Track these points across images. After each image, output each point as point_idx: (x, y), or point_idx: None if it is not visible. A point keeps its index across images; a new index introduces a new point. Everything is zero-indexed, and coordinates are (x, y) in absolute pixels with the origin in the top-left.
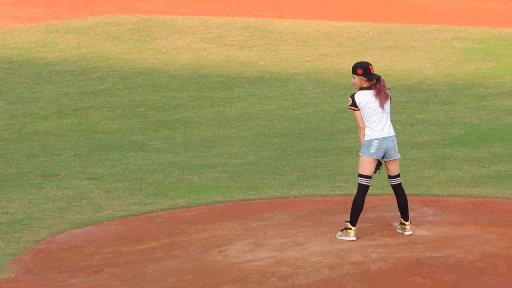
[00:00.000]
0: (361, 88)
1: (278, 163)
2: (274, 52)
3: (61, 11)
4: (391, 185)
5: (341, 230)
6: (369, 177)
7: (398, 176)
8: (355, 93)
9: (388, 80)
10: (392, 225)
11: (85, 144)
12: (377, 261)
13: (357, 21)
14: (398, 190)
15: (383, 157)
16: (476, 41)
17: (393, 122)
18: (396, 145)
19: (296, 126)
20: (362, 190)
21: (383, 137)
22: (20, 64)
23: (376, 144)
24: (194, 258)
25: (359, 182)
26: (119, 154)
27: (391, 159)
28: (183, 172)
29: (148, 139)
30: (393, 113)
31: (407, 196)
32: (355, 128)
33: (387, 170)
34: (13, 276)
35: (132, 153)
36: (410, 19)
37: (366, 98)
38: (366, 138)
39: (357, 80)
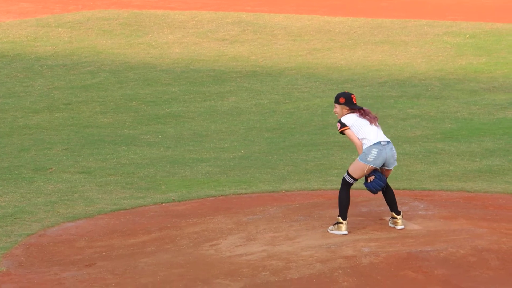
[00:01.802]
0: (346, 113)
1: (270, 157)
2: (266, 46)
3: (53, 5)
4: None
5: (333, 224)
6: (356, 179)
7: (387, 177)
8: (340, 119)
9: (379, 75)
10: (384, 219)
11: (77, 138)
12: (369, 255)
13: (348, 16)
14: (385, 186)
15: (382, 165)
16: (467, 36)
17: (385, 116)
18: (395, 153)
19: (288, 120)
20: (346, 186)
21: (382, 145)
22: (11, 58)
23: (375, 153)
24: (185, 252)
25: (345, 179)
26: (111, 148)
27: (390, 168)
28: (175, 166)
29: (140, 133)
30: (384, 107)
31: (397, 190)
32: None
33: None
34: (4, 270)
35: (123, 147)
36: (402, 14)
37: (352, 118)
38: (365, 146)
39: (338, 109)
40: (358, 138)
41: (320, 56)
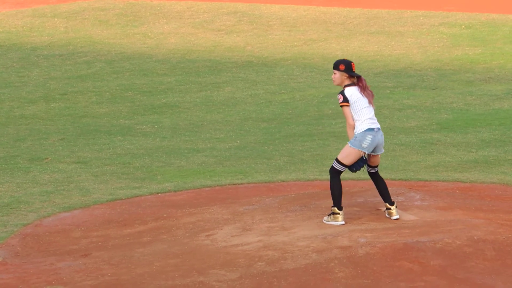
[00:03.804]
0: (347, 85)
1: (266, 147)
2: (262, 37)
3: None
4: (369, 172)
5: (328, 215)
6: (346, 166)
7: (377, 166)
8: (342, 90)
9: (375, 66)
10: (380, 209)
11: (73, 128)
12: (365, 245)
13: (344, 7)
14: (376, 176)
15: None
16: (463, 26)
17: (380, 107)
18: (383, 140)
19: (284, 110)
20: (337, 174)
21: (375, 131)
22: (7, 48)
23: (370, 139)
24: (181, 242)
25: (335, 167)
26: (107, 138)
27: (377, 153)
28: (171, 156)
29: (136, 123)
30: (380, 98)
31: (392, 181)
32: (342, 113)
33: (369, 161)
34: (0, 260)
35: (119, 137)
36: (398, 5)
37: (355, 94)
38: (358, 130)
39: (338, 76)
40: (353, 118)
41: (316, 47)
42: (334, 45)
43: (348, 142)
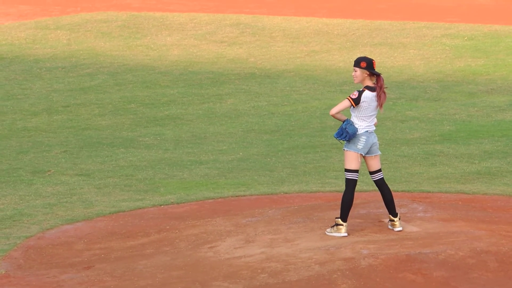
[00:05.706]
0: (368, 88)
1: (268, 159)
2: (264, 48)
3: (51, 8)
4: (374, 181)
5: (332, 227)
6: (356, 171)
7: (379, 171)
8: (363, 90)
9: None
10: (383, 221)
11: (75, 140)
12: (368, 257)
13: (347, 18)
14: (381, 185)
15: (367, 152)
16: (465, 38)
17: (383, 118)
18: (377, 141)
19: (286, 122)
20: (351, 185)
21: (369, 132)
22: (10, 60)
23: (364, 140)
24: (184, 254)
25: (347, 177)
26: (109, 150)
27: (373, 155)
28: (173, 168)
29: (138, 135)
30: (383, 109)
31: (395, 192)
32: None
33: (368, 166)
34: (3, 272)
35: (122, 149)
36: (400, 16)
37: (368, 102)
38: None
39: (359, 73)
40: (353, 117)
41: (319, 58)
42: (337, 56)
43: (343, 148)
